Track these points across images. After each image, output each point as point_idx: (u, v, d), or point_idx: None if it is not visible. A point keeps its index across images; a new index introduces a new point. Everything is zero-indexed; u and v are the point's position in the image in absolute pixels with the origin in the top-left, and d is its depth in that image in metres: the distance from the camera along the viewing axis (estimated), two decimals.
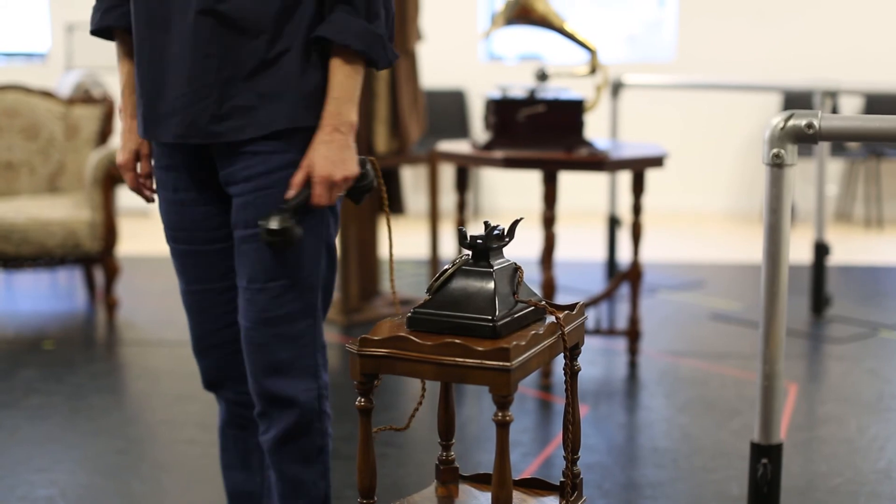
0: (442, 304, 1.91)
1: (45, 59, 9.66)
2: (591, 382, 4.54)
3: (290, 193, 2.13)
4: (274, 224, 2.08)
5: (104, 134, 6.06)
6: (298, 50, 2.16)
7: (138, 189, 2.38)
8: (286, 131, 2.17)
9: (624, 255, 6.64)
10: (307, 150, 2.17)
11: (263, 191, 2.17)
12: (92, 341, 5.38)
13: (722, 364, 4.81)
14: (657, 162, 4.55)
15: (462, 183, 4.85)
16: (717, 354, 4.97)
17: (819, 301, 5.63)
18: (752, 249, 7.40)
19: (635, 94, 8.37)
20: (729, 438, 3.90)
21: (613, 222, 6.47)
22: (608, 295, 4.99)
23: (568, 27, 4.65)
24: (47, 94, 6.10)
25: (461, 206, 4.84)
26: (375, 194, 5.30)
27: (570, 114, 4.51)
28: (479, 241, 1.94)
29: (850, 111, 8.73)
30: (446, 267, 1.96)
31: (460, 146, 4.74)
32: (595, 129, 6.08)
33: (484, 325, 1.85)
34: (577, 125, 4.50)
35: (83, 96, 6.17)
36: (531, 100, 4.52)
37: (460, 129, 9.13)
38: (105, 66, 9.01)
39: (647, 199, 5.06)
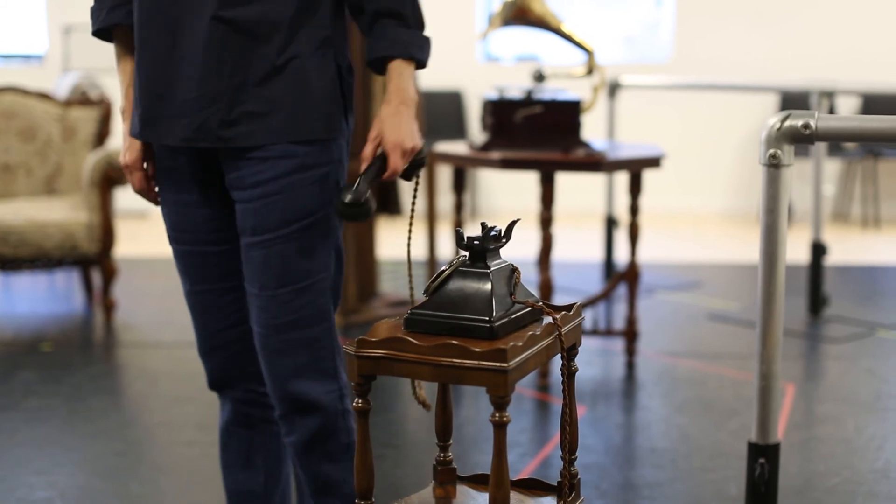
0: (439, 306, 1.91)
1: (43, 60, 9.66)
2: (589, 383, 4.55)
3: (363, 167, 2.16)
4: (350, 197, 2.10)
5: (101, 136, 6.07)
6: (309, 58, 2.17)
7: (145, 191, 2.36)
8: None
9: (621, 256, 6.64)
10: (327, 150, 2.20)
11: (272, 196, 2.17)
12: (90, 343, 5.38)
13: (719, 364, 4.81)
14: (654, 162, 4.56)
15: (459, 184, 4.85)
16: (715, 355, 4.97)
17: (816, 301, 5.64)
18: (749, 250, 7.40)
19: (632, 95, 8.38)
20: (727, 439, 3.91)
21: (611, 223, 6.47)
22: (605, 295, 4.99)
23: (565, 28, 4.65)
24: (44, 96, 6.10)
25: (458, 207, 4.84)
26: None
27: (567, 114, 4.51)
28: (475, 242, 1.95)
29: (847, 111, 8.74)
30: (443, 268, 1.96)
31: (457, 147, 4.74)
32: (592, 130, 6.07)
33: (481, 326, 1.85)
34: (575, 126, 4.51)
35: (80, 98, 6.17)
36: (528, 101, 4.52)
37: (457, 129, 9.13)
38: (102, 68, 9.00)
39: (645, 200, 5.06)
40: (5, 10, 9.86)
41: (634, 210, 4.62)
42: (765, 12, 9.09)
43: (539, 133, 4.49)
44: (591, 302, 4.90)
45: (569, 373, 1.99)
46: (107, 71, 9.00)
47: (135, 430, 4.14)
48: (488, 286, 1.90)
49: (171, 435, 4.03)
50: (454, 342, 1.80)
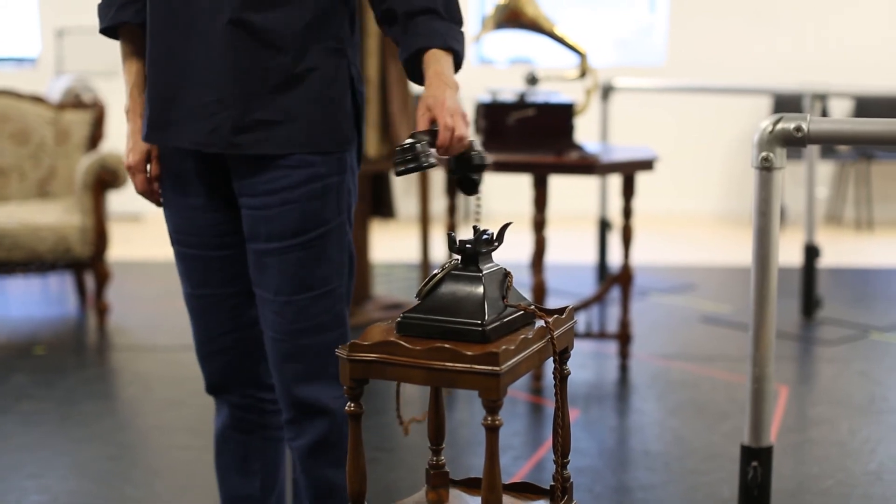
0: (431, 309, 1.91)
1: (36, 63, 9.65)
2: (582, 386, 4.55)
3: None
4: (409, 142, 1.99)
5: (95, 139, 6.06)
6: (323, 69, 2.16)
7: (147, 192, 2.34)
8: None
9: (615, 259, 6.64)
10: (341, 159, 2.20)
11: (288, 205, 2.16)
12: (83, 347, 5.37)
13: (713, 367, 4.81)
14: (647, 165, 4.56)
15: (452, 187, 4.85)
16: (708, 357, 4.97)
17: (809, 303, 5.64)
18: (742, 252, 7.41)
19: (625, 98, 8.38)
20: (720, 441, 3.91)
21: (604, 225, 6.47)
22: (599, 298, 4.99)
23: (558, 31, 4.66)
24: (37, 99, 6.10)
25: (451, 210, 4.84)
26: (366, 198, 5.29)
27: (560, 117, 4.52)
28: (468, 245, 1.95)
29: (840, 114, 8.75)
30: (435, 272, 1.96)
31: None
32: (585, 133, 6.07)
33: (473, 330, 1.85)
34: (568, 129, 4.51)
35: (73, 101, 6.16)
36: (521, 103, 4.53)
37: None
38: (95, 71, 9.00)
39: (638, 203, 5.06)
40: None
41: (627, 213, 4.62)
42: (758, 15, 9.10)
43: (532, 136, 4.49)
44: (584, 305, 4.90)
45: (561, 376, 1.99)
46: (100, 74, 9.00)
47: (128, 433, 4.14)
48: (480, 290, 1.90)
49: (164, 439, 4.02)
50: (446, 346, 1.80)
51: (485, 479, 1.83)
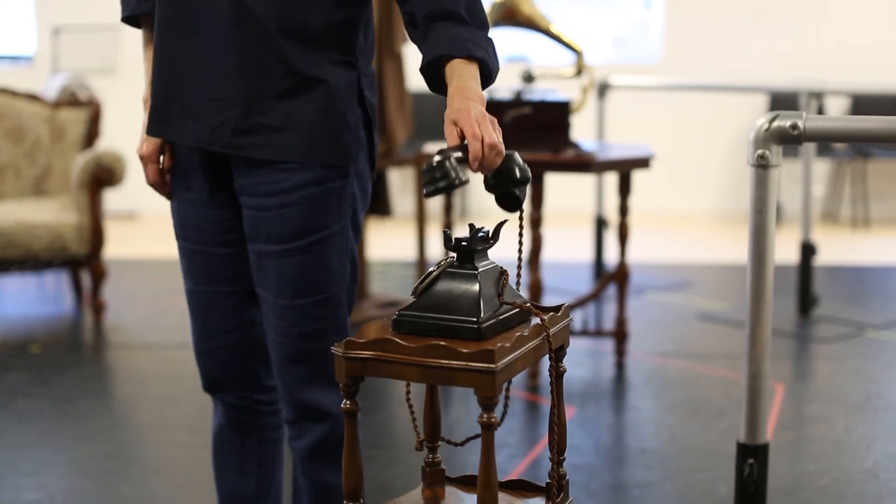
0: (427, 307, 1.91)
1: (32, 62, 9.64)
2: (579, 383, 4.55)
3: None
4: (437, 160, 1.87)
5: (90, 137, 6.05)
6: (333, 80, 2.12)
7: (158, 184, 2.33)
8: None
9: (611, 256, 6.64)
10: (343, 167, 2.16)
11: (288, 208, 2.14)
12: (79, 345, 5.37)
13: (709, 365, 4.82)
14: (644, 163, 4.56)
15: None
16: (705, 355, 4.98)
17: (806, 301, 5.64)
18: (739, 250, 7.41)
19: (622, 96, 8.38)
20: (716, 439, 3.91)
21: (600, 223, 6.48)
22: (595, 296, 4.99)
23: (554, 29, 4.65)
24: (33, 97, 6.09)
25: (448, 208, 4.84)
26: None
27: (556, 115, 4.51)
28: (463, 243, 1.94)
29: (837, 112, 8.76)
30: (431, 269, 1.96)
31: None
32: (581, 131, 6.07)
33: (469, 328, 1.85)
34: (564, 126, 4.51)
35: (69, 99, 6.16)
36: (517, 101, 4.52)
37: None
38: (91, 70, 9.00)
39: (634, 200, 5.07)
40: None
41: (624, 210, 4.62)
42: (755, 13, 9.11)
43: (528, 133, 4.48)
44: (580, 302, 4.90)
45: (557, 374, 1.99)
46: (96, 72, 9.00)
47: (124, 431, 4.13)
48: (476, 287, 1.89)
49: (161, 436, 4.02)
50: (442, 343, 1.80)
51: (480, 477, 1.83)
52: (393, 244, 7.67)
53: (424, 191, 1.88)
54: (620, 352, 4.79)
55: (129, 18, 2.30)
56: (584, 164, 4.34)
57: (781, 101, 8.55)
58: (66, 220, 5.49)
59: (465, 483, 2.18)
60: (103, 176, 5.54)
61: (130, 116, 8.75)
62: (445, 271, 1.93)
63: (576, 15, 9.67)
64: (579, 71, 4.65)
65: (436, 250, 7.04)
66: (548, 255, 6.58)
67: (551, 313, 1.97)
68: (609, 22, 9.79)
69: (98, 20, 9.15)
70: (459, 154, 1.90)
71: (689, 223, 9.00)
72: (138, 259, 7.35)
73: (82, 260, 5.58)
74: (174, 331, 5.39)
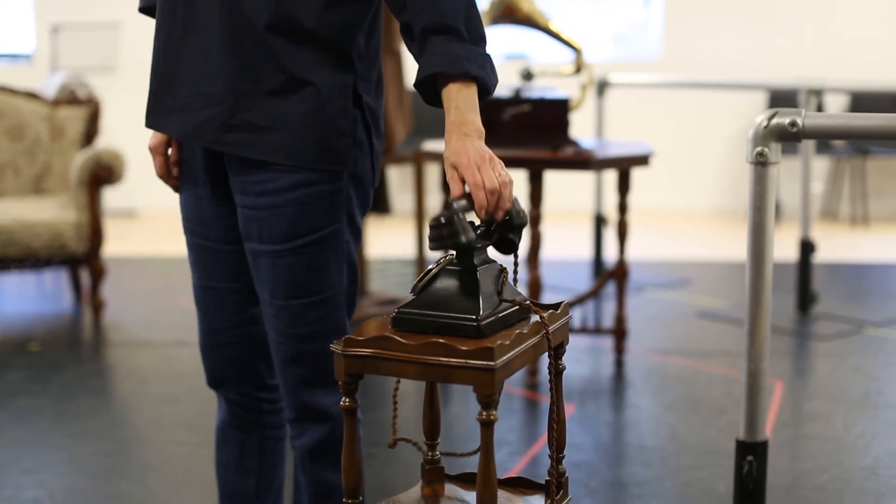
0: (426, 304, 1.90)
1: (31, 59, 9.64)
2: (578, 381, 4.55)
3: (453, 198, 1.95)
4: (446, 216, 1.88)
5: (90, 135, 6.05)
6: (325, 83, 2.09)
7: (165, 176, 2.31)
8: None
9: (610, 254, 6.64)
10: (336, 171, 2.13)
11: (278, 209, 2.12)
12: (78, 343, 5.37)
13: (708, 362, 4.82)
14: (643, 160, 4.56)
15: (447, 183, 4.84)
16: (704, 352, 4.98)
17: (805, 299, 5.65)
18: (738, 247, 7.41)
19: (621, 93, 8.38)
20: (716, 436, 3.91)
21: (599, 221, 6.47)
22: (594, 293, 4.99)
23: (553, 26, 4.65)
24: (32, 95, 6.09)
25: (447, 206, 4.83)
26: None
27: (555, 113, 4.51)
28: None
29: (836, 109, 8.76)
30: (430, 267, 1.96)
31: None
32: (581, 128, 6.08)
33: (468, 325, 1.85)
34: (563, 124, 4.51)
35: (68, 97, 6.16)
36: (516, 99, 4.52)
37: None
38: (90, 68, 9.00)
39: (633, 198, 5.08)
40: None
41: (623, 208, 4.63)
42: (754, 11, 9.10)
43: (527, 131, 4.48)
44: (580, 300, 4.90)
45: (556, 371, 1.99)
46: (95, 70, 9.00)
47: (124, 429, 4.13)
48: (475, 285, 1.89)
49: (160, 434, 4.02)
50: (441, 341, 1.80)
51: (480, 474, 1.83)
52: (392, 242, 7.67)
53: (430, 245, 1.89)
54: (620, 349, 4.79)
55: (146, 10, 2.30)
56: (583, 161, 4.34)
57: (780, 99, 8.55)
58: (65, 218, 5.49)
59: (465, 481, 2.18)
60: (102, 174, 5.54)
61: (129, 114, 8.74)
62: (445, 269, 1.93)
63: (575, 12, 9.67)
64: (578, 68, 4.65)
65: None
66: (547, 252, 6.58)
67: (550, 311, 1.97)
68: (608, 19, 9.79)
69: (97, 18, 9.14)
70: (465, 203, 1.91)
71: (688, 221, 9.00)
72: (137, 257, 7.35)
73: (81, 258, 5.58)
74: (173, 329, 5.39)
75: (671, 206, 9.24)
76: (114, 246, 7.35)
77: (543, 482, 2.09)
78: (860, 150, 8.69)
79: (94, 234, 5.55)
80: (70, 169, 5.84)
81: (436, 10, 1.99)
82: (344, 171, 2.15)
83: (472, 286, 1.89)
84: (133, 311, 5.85)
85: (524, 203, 4.37)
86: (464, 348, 1.78)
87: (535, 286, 4.39)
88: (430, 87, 2.02)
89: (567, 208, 8.65)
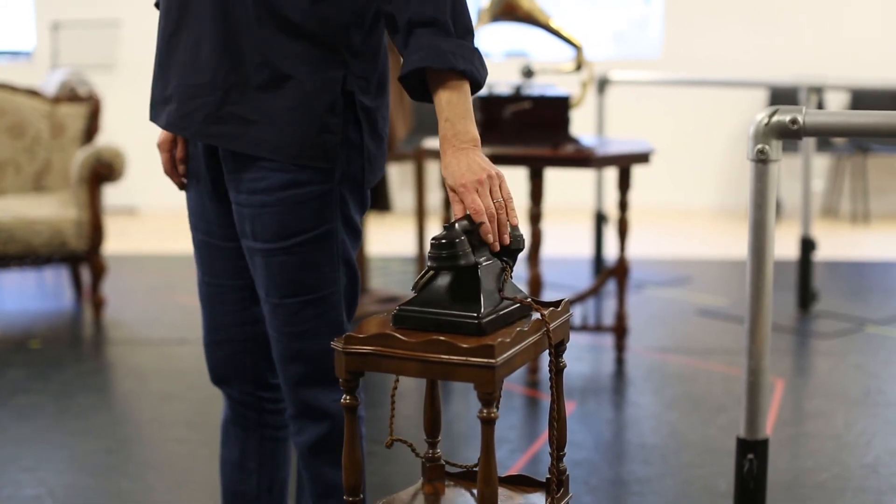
0: (427, 302, 1.90)
1: (31, 57, 9.64)
2: (579, 379, 4.55)
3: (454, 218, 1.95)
4: (446, 238, 1.87)
5: (90, 132, 6.05)
6: (310, 79, 2.06)
7: (170, 174, 2.31)
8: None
9: (611, 252, 6.64)
10: (324, 170, 2.10)
11: (267, 208, 2.11)
12: (79, 340, 5.37)
13: (709, 360, 4.82)
14: (643, 158, 4.56)
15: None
16: (705, 350, 4.97)
17: (805, 296, 5.64)
18: (738, 245, 7.41)
19: (621, 91, 8.38)
20: (716, 434, 3.91)
21: (600, 219, 6.47)
22: (595, 291, 4.99)
23: (553, 24, 4.65)
24: (33, 93, 6.09)
25: (447, 203, 4.84)
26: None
27: (555, 110, 4.51)
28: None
29: (836, 107, 8.75)
30: (431, 264, 1.95)
31: None
32: (581, 126, 6.08)
33: (469, 323, 1.85)
34: (563, 122, 4.51)
35: (69, 94, 6.15)
36: (517, 96, 4.52)
37: None
38: (91, 65, 9.00)
39: (634, 196, 5.07)
40: None
41: (623, 206, 4.62)
42: (754, 8, 9.10)
43: (528, 129, 4.48)
44: (580, 298, 4.90)
45: (557, 369, 1.99)
46: (95, 67, 8.99)
47: (124, 427, 4.13)
48: (476, 282, 1.89)
49: (160, 432, 4.02)
50: (442, 338, 1.79)
51: (480, 472, 1.82)
52: (393, 239, 7.67)
53: (429, 263, 1.89)
54: (620, 347, 4.79)
55: (157, 4, 2.30)
56: (583, 159, 4.34)
57: (781, 96, 8.55)
58: (65, 216, 5.49)
59: (466, 478, 2.18)
60: (103, 171, 5.54)
61: (130, 112, 8.75)
62: None
63: (575, 10, 9.67)
64: (579, 66, 4.65)
65: None
66: (547, 250, 6.58)
67: (551, 308, 1.97)
68: (609, 17, 9.79)
69: (97, 16, 9.14)
70: (466, 223, 1.91)
71: (688, 218, 9.00)
72: (138, 255, 7.35)
73: (82, 255, 5.58)
74: (174, 326, 5.39)
75: (672, 204, 9.24)
76: (114, 243, 7.35)
77: (544, 480, 2.09)
78: (861, 148, 8.68)
79: (95, 232, 5.54)
80: (70, 166, 5.84)
81: (422, 1, 1.97)
82: (335, 171, 2.13)
83: (472, 284, 1.89)
84: (133, 308, 5.85)
85: (525, 201, 4.37)
86: (464, 346, 1.77)
87: (536, 284, 4.39)
88: (415, 82, 2.00)
89: (567, 206, 8.65)
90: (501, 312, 1.91)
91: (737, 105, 9.09)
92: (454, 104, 1.98)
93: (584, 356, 4.89)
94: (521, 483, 2.15)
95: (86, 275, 6.16)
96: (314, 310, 2.17)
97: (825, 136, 2.81)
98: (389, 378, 4.43)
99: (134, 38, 9.10)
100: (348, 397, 1.90)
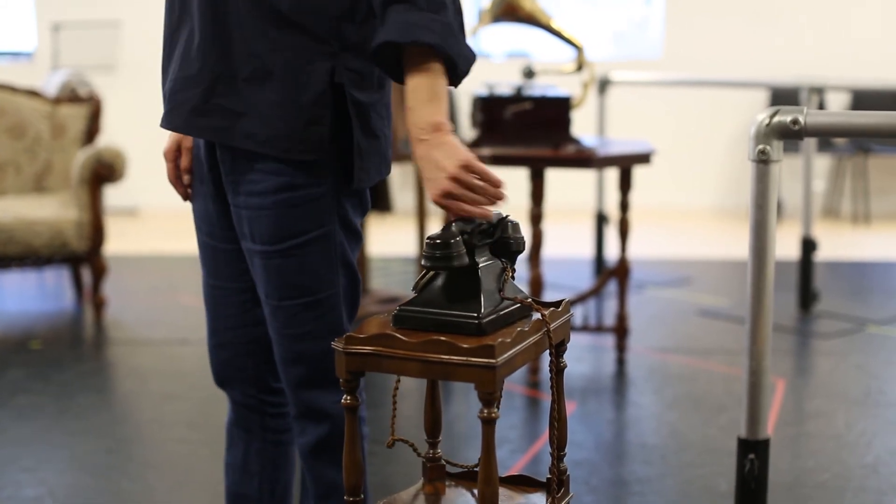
0: (428, 302, 1.90)
1: (32, 58, 9.64)
2: (579, 379, 4.54)
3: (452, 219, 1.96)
4: (441, 238, 1.90)
5: (91, 133, 6.05)
6: (297, 72, 2.04)
7: (174, 183, 2.31)
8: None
9: (611, 252, 6.63)
10: (316, 171, 2.09)
11: (262, 210, 2.11)
12: (79, 341, 5.37)
13: (710, 360, 4.81)
14: (644, 158, 4.56)
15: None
16: (705, 351, 4.97)
17: (806, 297, 5.64)
18: (739, 245, 7.41)
19: (622, 91, 8.37)
20: (717, 434, 3.91)
21: (601, 219, 6.47)
22: (596, 292, 4.99)
23: (555, 24, 4.65)
24: (33, 94, 6.09)
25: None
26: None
27: (557, 111, 4.51)
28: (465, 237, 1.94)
29: (837, 107, 8.75)
30: (425, 264, 1.95)
31: None
32: (582, 126, 6.07)
33: (469, 323, 1.85)
34: (564, 122, 4.51)
35: (69, 95, 6.15)
36: (518, 97, 4.52)
37: None
38: (92, 66, 9.00)
39: (635, 196, 5.06)
40: None
41: (624, 206, 4.62)
42: (755, 9, 9.10)
43: (529, 129, 4.48)
44: (581, 298, 4.90)
45: (557, 369, 1.99)
46: (96, 68, 8.99)
47: (125, 427, 4.13)
48: (477, 283, 1.89)
49: (161, 432, 4.02)
50: (442, 338, 1.79)
51: (481, 472, 1.82)
52: (393, 240, 7.66)
53: (423, 262, 1.89)
54: (621, 347, 4.79)
55: None
56: (584, 159, 4.34)
57: (782, 97, 8.55)
58: (66, 217, 5.49)
59: (466, 478, 2.18)
60: (104, 172, 5.54)
61: (131, 112, 8.76)
62: None
63: (576, 11, 9.67)
64: (580, 67, 4.65)
65: None
66: (548, 250, 6.57)
67: (552, 309, 1.97)
68: (610, 17, 9.79)
69: (98, 16, 9.14)
70: (462, 224, 1.93)
71: (689, 219, 8.99)
72: (139, 255, 7.35)
73: (83, 256, 5.58)
74: (175, 327, 5.39)
75: (673, 205, 9.24)
76: (115, 244, 7.35)
77: (545, 480, 2.09)
78: (862, 148, 8.68)
79: (96, 233, 5.54)
80: (71, 167, 5.84)
81: None
82: (329, 171, 2.12)
83: (473, 284, 1.89)
84: (134, 309, 5.85)
85: (526, 202, 4.37)
86: (465, 346, 1.77)
87: (537, 284, 4.39)
88: (390, 61, 1.99)
89: (568, 206, 8.65)
90: (502, 312, 1.91)
91: (738, 105, 9.08)
92: (418, 89, 1.96)
93: (584, 356, 4.89)
94: (522, 483, 2.15)
95: (86, 275, 6.15)
96: (313, 312, 2.16)
97: (826, 137, 2.81)
98: (390, 378, 4.43)
99: (134, 39, 9.10)
100: (349, 398, 1.90)
